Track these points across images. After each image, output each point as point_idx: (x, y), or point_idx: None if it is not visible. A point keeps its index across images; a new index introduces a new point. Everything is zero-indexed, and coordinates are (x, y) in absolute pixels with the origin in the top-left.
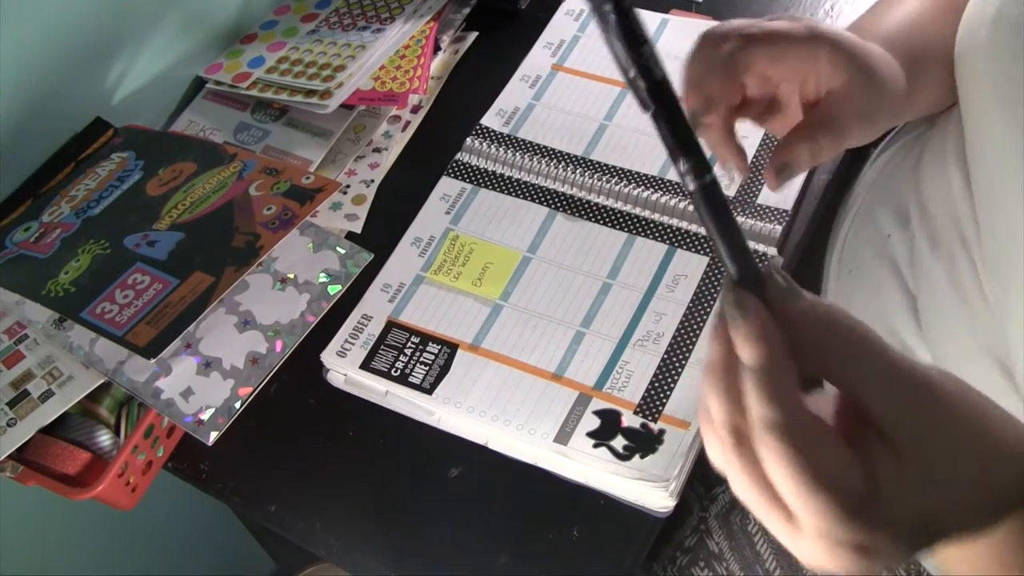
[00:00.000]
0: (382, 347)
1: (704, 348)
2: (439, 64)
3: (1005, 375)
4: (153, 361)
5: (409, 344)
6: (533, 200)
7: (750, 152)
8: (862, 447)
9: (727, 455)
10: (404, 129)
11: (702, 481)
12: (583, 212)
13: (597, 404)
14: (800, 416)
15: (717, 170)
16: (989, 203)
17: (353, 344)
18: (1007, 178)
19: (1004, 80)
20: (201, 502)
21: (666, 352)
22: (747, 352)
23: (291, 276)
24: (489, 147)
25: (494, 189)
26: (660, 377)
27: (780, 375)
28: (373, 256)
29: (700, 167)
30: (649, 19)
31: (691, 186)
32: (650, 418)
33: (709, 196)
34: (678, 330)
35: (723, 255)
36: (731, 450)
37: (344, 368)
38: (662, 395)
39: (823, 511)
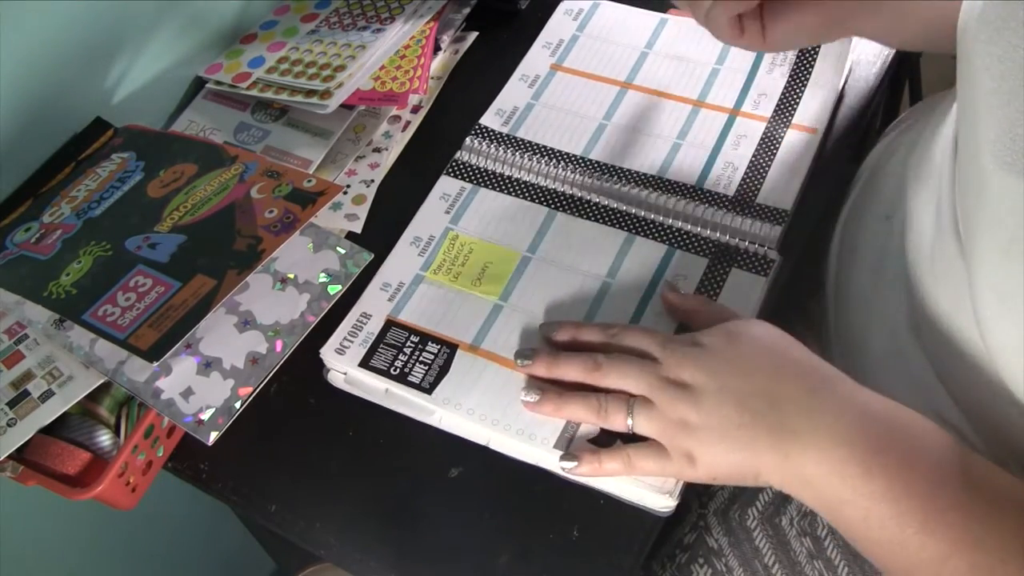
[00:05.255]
0: (381, 345)
1: None
2: (439, 64)
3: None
4: None
5: (408, 343)
6: (532, 200)
7: (750, 150)
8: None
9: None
10: (404, 129)
11: None
12: (582, 212)
13: None
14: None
15: None
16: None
17: (352, 342)
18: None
19: (993, 60)
20: (201, 502)
21: None
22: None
23: (291, 276)
24: (488, 147)
25: (493, 189)
26: None
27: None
28: (373, 256)
29: None
30: (649, 19)
31: None
32: None
33: None
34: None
35: None
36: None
37: (343, 365)
38: None
39: (654, 331)
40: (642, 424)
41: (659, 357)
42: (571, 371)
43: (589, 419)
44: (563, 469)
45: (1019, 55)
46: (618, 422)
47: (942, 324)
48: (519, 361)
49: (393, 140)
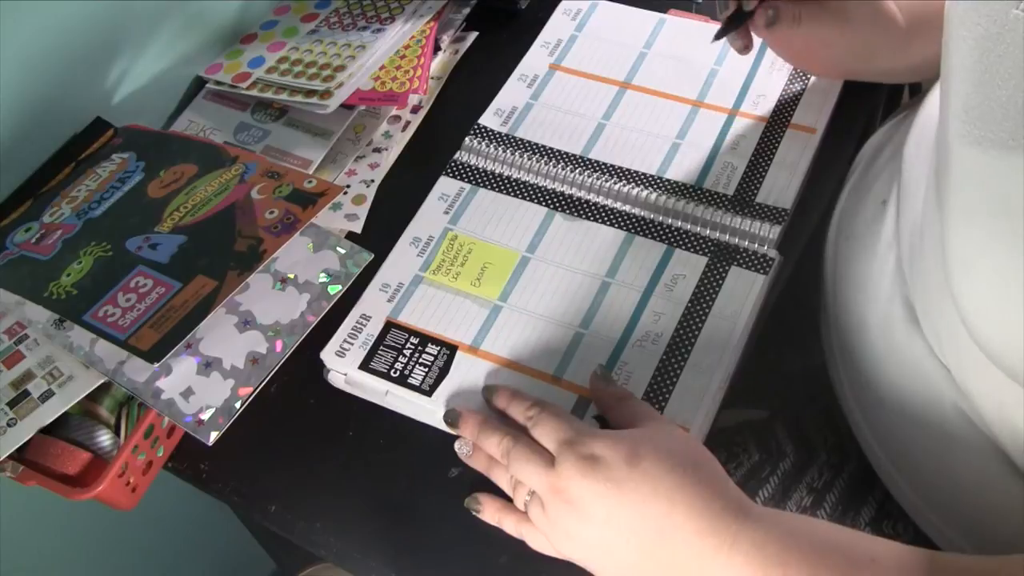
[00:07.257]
0: (381, 347)
1: (701, 350)
2: (439, 64)
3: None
4: None
5: (408, 345)
6: (531, 200)
7: (749, 150)
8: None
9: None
10: (404, 129)
11: None
12: (581, 211)
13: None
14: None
15: None
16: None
17: (352, 344)
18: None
19: (961, 39)
20: (201, 502)
21: (665, 353)
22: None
23: (291, 276)
24: (487, 147)
25: (493, 189)
26: (659, 378)
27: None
28: (373, 256)
29: None
30: (648, 18)
31: None
32: None
33: None
34: (676, 330)
35: None
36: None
37: (343, 368)
38: (662, 397)
39: (563, 426)
40: (534, 517)
41: (555, 460)
42: (488, 447)
43: (505, 489)
44: (470, 509)
45: (978, 31)
46: (519, 503)
47: (934, 301)
48: (447, 421)
49: (393, 140)
